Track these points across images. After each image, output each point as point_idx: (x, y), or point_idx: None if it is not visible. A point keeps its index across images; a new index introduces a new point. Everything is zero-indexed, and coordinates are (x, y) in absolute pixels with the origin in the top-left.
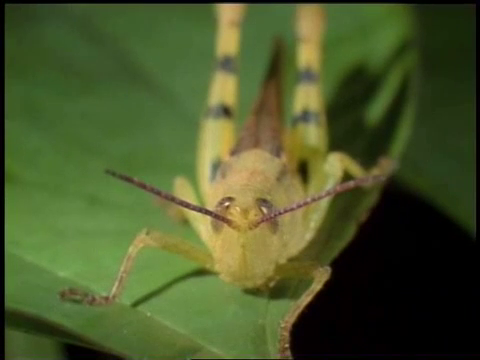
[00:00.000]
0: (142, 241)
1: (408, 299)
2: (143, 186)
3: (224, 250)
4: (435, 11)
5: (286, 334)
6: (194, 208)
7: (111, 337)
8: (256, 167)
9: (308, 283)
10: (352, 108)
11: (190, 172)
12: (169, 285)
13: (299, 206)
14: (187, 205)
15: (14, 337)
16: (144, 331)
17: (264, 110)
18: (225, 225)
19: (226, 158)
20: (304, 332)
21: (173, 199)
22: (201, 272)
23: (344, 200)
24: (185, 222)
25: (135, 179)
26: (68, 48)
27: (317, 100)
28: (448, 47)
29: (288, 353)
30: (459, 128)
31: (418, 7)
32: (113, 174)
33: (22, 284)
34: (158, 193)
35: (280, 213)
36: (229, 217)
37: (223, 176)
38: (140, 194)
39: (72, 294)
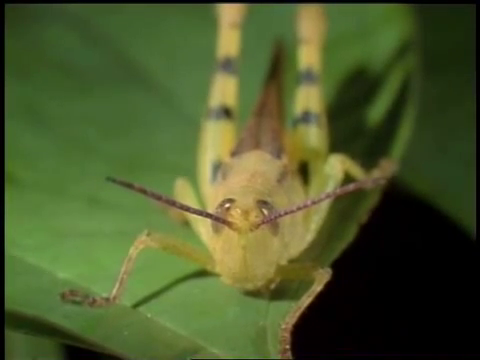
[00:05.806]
0: (143, 242)
1: (408, 299)
2: (144, 191)
3: (225, 252)
4: (435, 11)
5: (287, 335)
6: (195, 212)
7: (112, 338)
8: (257, 168)
9: (309, 284)
10: (353, 109)
11: (191, 173)
12: (170, 286)
13: (299, 208)
14: (187, 209)
15: (14, 338)
16: (145, 332)
17: (265, 111)
18: (226, 227)
19: (227, 159)
20: (305, 333)
21: (174, 204)
22: (202, 273)
23: (344, 201)
24: (186, 223)
25: (136, 185)
26: (68, 48)
27: (318, 101)
28: (449, 48)
29: (289, 354)
30: (460, 129)
31: (419, 7)
32: (113, 181)
33: (22, 285)
34: (159, 198)
35: (280, 215)
36: (229, 219)
37: (224, 177)
38: (140, 195)
39: (73, 295)
